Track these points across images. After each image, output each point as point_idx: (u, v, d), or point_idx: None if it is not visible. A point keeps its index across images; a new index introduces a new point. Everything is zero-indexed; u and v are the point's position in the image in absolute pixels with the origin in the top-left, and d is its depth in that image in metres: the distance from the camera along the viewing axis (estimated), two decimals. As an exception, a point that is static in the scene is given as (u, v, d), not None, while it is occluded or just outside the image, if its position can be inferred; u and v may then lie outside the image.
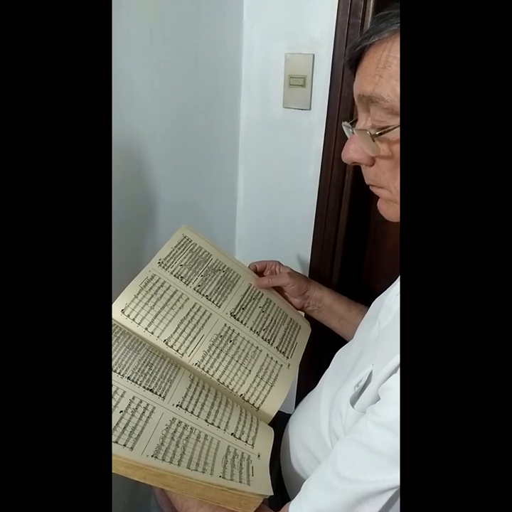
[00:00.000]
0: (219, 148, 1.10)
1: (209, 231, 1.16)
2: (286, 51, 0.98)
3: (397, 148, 0.48)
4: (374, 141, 0.48)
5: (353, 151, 0.51)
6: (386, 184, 0.51)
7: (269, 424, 0.69)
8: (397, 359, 0.47)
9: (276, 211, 1.15)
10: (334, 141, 0.96)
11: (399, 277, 0.69)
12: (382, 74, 0.46)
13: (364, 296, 0.86)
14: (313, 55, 0.95)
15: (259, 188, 1.16)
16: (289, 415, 0.78)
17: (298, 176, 1.08)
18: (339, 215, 1.03)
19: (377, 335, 0.60)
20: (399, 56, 0.44)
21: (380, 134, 0.47)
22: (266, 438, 0.65)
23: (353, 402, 0.54)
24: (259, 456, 0.61)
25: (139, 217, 0.95)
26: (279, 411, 0.73)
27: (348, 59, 0.50)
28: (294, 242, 1.14)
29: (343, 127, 0.53)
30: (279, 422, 0.76)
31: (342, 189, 1.01)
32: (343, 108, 0.93)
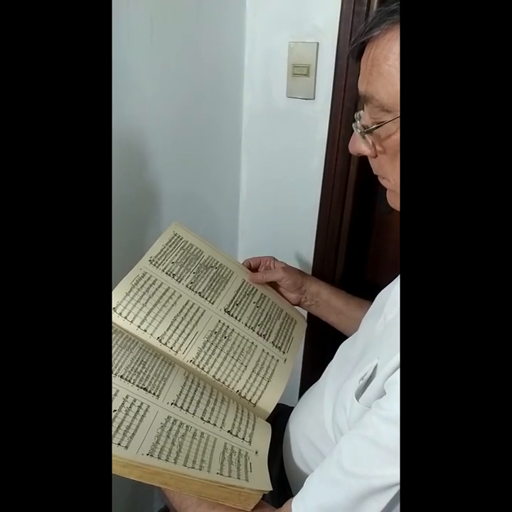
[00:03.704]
0: (222, 139, 1.09)
1: (212, 223, 1.15)
2: (289, 40, 0.96)
3: (387, 143, 0.50)
4: (364, 137, 0.51)
5: (358, 144, 0.53)
6: (387, 175, 0.54)
7: (269, 418, 0.69)
8: None
9: (279, 202, 1.14)
10: (338, 131, 0.95)
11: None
12: (372, 72, 0.47)
13: (368, 287, 0.85)
14: (318, 43, 0.93)
15: (263, 179, 1.15)
16: (292, 408, 0.78)
17: (302, 166, 1.06)
18: (343, 206, 1.03)
19: (383, 328, 0.60)
20: (386, 54, 0.45)
21: (368, 131, 0.50)
22: (263, 434, 0.64)
23: (358, 395, 0.54)
24: (256, 452, 0.61)
25: (142, 210, 0.95)
26: (281, 404, 0.73)
27: (350, 54, 0.52)
28: (297, 233, 1.13)
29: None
30: (282, 415, 0.76)
31: (346, 180, 1.00)
32: (347, 97, 0.92)
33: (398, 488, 0.45)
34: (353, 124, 0.53)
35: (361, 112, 0.53)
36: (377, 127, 0.49)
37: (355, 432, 0.50)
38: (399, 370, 0.47)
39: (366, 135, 0.51)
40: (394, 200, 0.55)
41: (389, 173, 0.53)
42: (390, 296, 0.63)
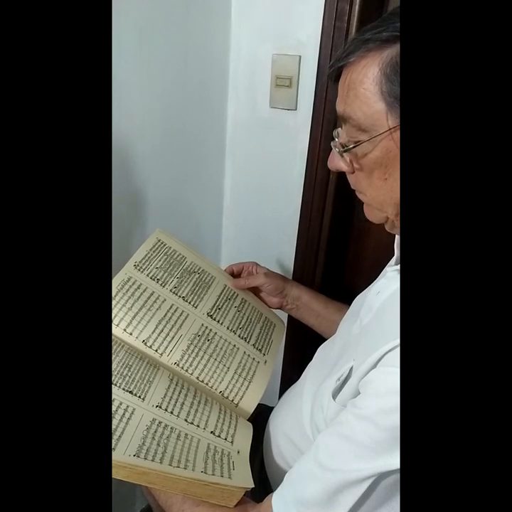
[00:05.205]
0: (206, 147, 1.11)
1: (196, 229, 1.17)
2: (273, 52, 0.99)
3: (364, 161, 0.52)
4: (342, 155, 0.54)
5: (337, 160, 0.56)
6: (363, 190, 0.56)
7: (250, 417, 0.71)
8: (376, 355, 0.49)
9: (262, 209, 1.17)
10: (319, 141, 0.98)
11: (379, 275, 0.72)
12: (349, 94, 0.50)
13: (347, 291, 0.88)
14: (300, 56, 0.96)
15: (246, 186, 1.18)
16: (272, 408, 0.80)
17: (284, 174, 1.09)
18: (323, 213, 1.05)
19: (359, 331, 0.62)
20: (361, 78, 0.49)
21: (345, 150, 0.53)
22: (245, 434, 0.66)
23: (334, 395, 0.56)
24: (238, 452, 0.63)
25: (127, 216, 0.96)
26: (262, 404, 0.75)
27: (328, 77, 0.55)
28: (279, 239, 1.16)
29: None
30: (263, 414, 0.78)
31: (326, 188, 1.02)
32: (328, 109, 0.94)
33: (371, 480, 0.48)
34: (332, 142, 0.55)
35: (339, 129, 0.56)
36: (354, 146, 0.52)
37: (332, 430, 0.52)
38: (373, 370, 0.50)
39: (344, 153, 0.53)
40: (370, 213, 0.58)
41: (365, 188, 0.55)
42: (366, 301, 0.65)
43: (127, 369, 0.63)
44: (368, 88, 0.48)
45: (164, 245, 0.83)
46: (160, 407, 0.61)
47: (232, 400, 0.72)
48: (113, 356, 0.64)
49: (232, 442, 0.63)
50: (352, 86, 0.50)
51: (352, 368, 0.55)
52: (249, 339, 0.80)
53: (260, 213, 1.18)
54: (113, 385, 0.60)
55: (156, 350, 0.70)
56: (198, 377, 0.71)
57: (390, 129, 0.48)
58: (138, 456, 0.53)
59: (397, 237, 0.63)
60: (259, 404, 0.74)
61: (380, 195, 0.54)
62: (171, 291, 0.77)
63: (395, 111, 0.48)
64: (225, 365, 0.74)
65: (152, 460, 0.53)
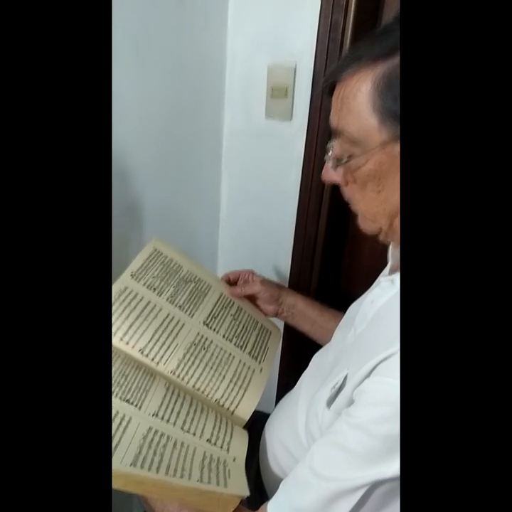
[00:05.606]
0: (202, 157, 1.12)
1: (192, 237, 1.17)
2: (268, 62, 1.00)
3: (357, 174, 0.53)
4: (336, 169, 0.55)
5: (331, 173, 0.57)
6: (357, 202, 0.57)
7: (247, 425, 0.72)
8: (370, 364, 0.50)
9: (258, 218, 1.18)
10: (314, 151, 0.99)
11: (374, 284, 0.72)
12: (343, 109, 0.51)
13: (342, 297, 0.89)
14: (295, 66, 0.97)
15: (242, 196, 1.19)
16: (268, 415, 0.80)
17: (279, 183, 1.10)
18: (319, 220, 1.06)
19: (354, 340, 0.63)
20: (354, 93, 0.50)
21: (339, 163, 0.54)
22: (240, 442, 0.67)
23: (329, 404, 0.57)
24: (234, 459, 0.63)
25: (123, 225, 0.96)
26: (259, 411, 0.75)
27: (323, 91, 0.56)
28: (275, 248, 1.17)
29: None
30: (259, 422, 0.79)
31: (322, 195, 1.03)
32: (323, 119, 0.95)
33: (365, 489, 0.48)
34: (326, 156, 0.56)
35: (333, 142, 0.57)
36: (347, 160, 0.53)
37: (327, 438, 0.53)
38: (366, 379, 0.50)
39: (338, 166, 0.55)
40: (363, 224, 0.59)
41: (359, 200, 0.56)
42: (360, 310, 0.66)
43: (124, 378, 0.64)
44: (361, 103, 0.49)
45: (161, 254, 0.83)
46: (156, 416, 0.61)
47: (228, 408, 0.72)
48: None
49: (228, 450, 0.64)
50: (345, 101, 0.51)
51: (346, 376, 0.56)
52: (245, 347, 0.81)
53: (256, 223, 1.18)
54: None
55: (153, 359, 0.71)
56: (194, 386, 0.71)
57: (382, 143, 0.49)
58: (135, 466, 0.53)
59: (391, 247, 0.64)
60: (255, 411, 0.74)
61: (374, 207, 0.55)
62: (167, 300, 0.78)
63: (388, 125, 0.49)
64: (220, 374, 0.74)
65: (149, 469, 0.53)
